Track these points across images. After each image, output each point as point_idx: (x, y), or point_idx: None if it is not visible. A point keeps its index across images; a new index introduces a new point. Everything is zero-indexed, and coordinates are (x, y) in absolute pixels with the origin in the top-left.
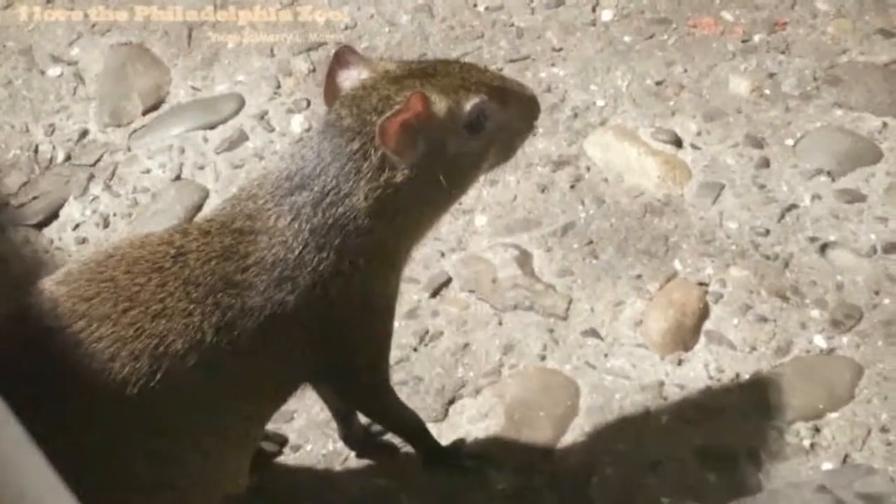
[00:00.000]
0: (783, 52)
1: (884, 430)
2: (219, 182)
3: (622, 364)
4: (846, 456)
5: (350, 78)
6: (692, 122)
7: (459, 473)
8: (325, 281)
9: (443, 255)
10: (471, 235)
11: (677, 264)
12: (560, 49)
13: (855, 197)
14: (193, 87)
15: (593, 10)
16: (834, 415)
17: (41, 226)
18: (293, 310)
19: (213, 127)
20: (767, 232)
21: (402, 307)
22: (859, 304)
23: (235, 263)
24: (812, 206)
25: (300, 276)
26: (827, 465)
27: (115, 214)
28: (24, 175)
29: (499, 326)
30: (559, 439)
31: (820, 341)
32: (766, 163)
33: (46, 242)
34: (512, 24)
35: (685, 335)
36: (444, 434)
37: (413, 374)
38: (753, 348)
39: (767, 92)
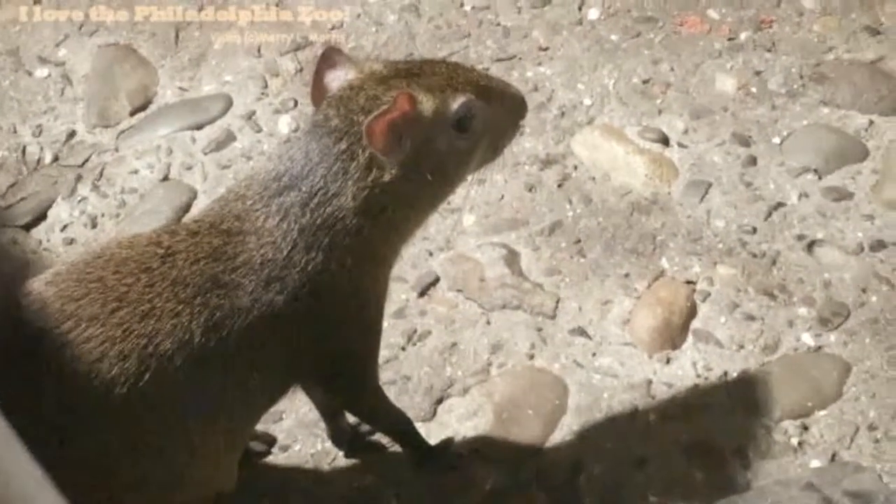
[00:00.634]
0: (769, 50)
1: (871, 427)
2: (207, 182)
3: (610, 362)
4: (834, 454)
5: (337, 78)
6: (679, 120)
7: (448, 472)
8: (313, 281)
9: (431, 254)
10: (458, 235)
11: (665, 263)
12: (547, 48)
13: (842, 195)
14: (181, 88)
15: (580, 9)
16: (822, 412)
17: (29, 227)
18: (282, 310)
19: (200, 127)
20: (754, 230)
21: (390, 307)
22: (847, 301)
23: (224, 264)
24: (799, 204)
25: (289, 277)
26: (815, 463)
27: (103, 215)
28: (12, 176)
29: (487, 325)
30: (547, 438)
31: (807, 339)
32: (752, 161)
33: (34, 243)
34: (498, 24)
35: (673, 333)
36: (432, 433)
37: (401, 373)
38: (741, 346)
39: (754, 90)
